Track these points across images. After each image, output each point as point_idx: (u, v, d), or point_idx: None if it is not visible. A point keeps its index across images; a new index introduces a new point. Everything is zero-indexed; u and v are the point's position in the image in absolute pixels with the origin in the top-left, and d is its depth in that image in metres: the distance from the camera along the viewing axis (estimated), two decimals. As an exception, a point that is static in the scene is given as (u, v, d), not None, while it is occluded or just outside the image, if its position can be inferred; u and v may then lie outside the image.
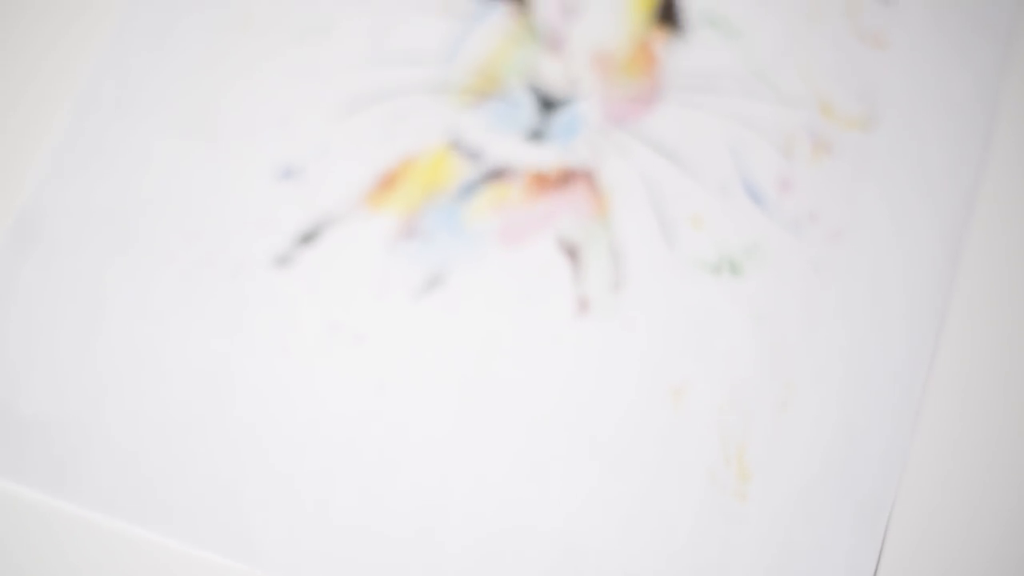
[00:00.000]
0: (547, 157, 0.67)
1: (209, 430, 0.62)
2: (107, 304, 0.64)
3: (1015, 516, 0.61)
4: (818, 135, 0.67)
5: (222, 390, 0.63)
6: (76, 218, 0.66)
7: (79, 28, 0.70)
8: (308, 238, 0.66)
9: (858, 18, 0.69)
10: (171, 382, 0.63)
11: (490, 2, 0.70)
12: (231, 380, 0.63)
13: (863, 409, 0.62)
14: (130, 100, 0.68)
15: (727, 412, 0.62)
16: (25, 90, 0.69)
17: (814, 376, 0.63)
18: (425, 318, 0.64)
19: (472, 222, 0.66)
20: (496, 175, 0.67)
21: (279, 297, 0.65)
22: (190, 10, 0.70)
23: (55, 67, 0.69)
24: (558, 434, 0.62)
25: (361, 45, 0.69)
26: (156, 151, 0.67)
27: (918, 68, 0.68)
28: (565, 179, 0.66)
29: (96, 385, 0.63)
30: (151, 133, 0.68)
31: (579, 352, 0.63)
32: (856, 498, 0.61)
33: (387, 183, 0.67)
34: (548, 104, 0.67)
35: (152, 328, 0.64)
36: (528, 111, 0.67)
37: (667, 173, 0.66)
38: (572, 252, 0.65)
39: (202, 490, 0.61)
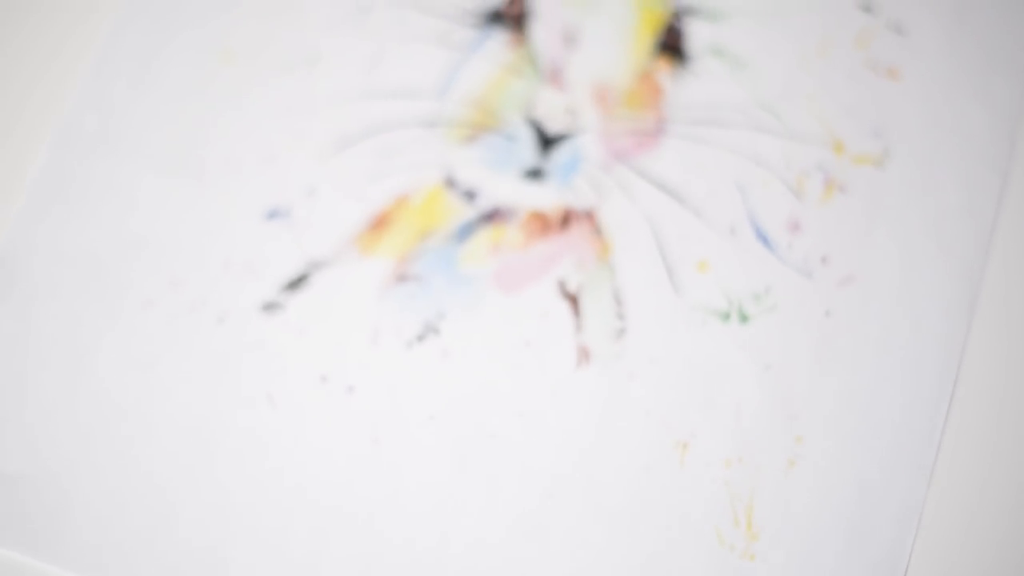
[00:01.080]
0: (546, 196, 0.64)
1: (194, 488, 0.59)
2: (86, 352, 0.61)
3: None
4: (829, 172, 0.64)
5: (208, 445, 0.60)
6: (53, 260, 0.63)
7: (60, 60, 0.67)
8: (297, 283, 0.63)
9: (870, 49, 0.66)
10: (153, 437, 0.60)
11: (487, 30, 0.67)
12: (217, 434, 0.60)
13: (876, 463, 0.59)
14: (112, 135, 0.65)
15: (735, 468, 0.60)
16: (3, 125, 0.66)
17: (824, 429, 0.60)
18: (419, 368, 0.61)
19: (468, 266, 0.63)
20: (493, 216, 0.64)
21: (267, 346, 0.62)
22: (172, 40, 0.66)
23: (35, 100, 0.66)
24: (559, 491, 0.59)
25: (350, 76, 0.66)
26: (139, 189, 0.64)
27: (933, 102, 0.65)
28: (565, 220, 0.64)
29: (74, 439, 0.60)
30: (134, 169, 0.65)
31: (581, 404, 0.61)
32: (869, 558, 0.58)
33: (378, 224, 0.64)
34: (547, 139, 0.64)
35: (133, 378, 0.61)
36: (526, 146, 0.64)
37: (672, 213, 0.63)
38: (573, 298, 0.62)
39: (186, 552, 0.59)
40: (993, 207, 0.63)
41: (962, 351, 0.61)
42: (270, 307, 0.62)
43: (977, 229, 0.63)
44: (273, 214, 0.64)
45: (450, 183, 0.64)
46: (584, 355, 0.62)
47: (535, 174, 0.64)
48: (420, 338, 0.62)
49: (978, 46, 0.66)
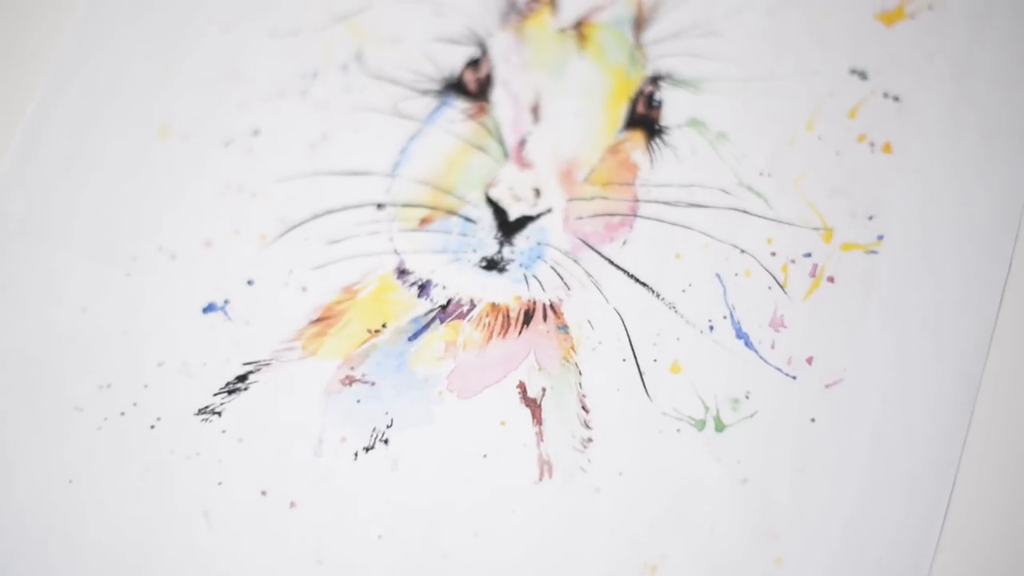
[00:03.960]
0: (506, 288, 0.58)
1: (122, 617, 0.55)
2: (9, 462, 0.57)
3: None
4: (816, 259, 0.58)
5: (138, 568, 0.55)
6: (-25, 357, 0.59)
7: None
8: (234, 386, 0.58)
9: (863, 120, 0.60)
10: (82, 554, 0.56)
11: (444, 98, 0.61)
12: (149, 555, 0.55)
13: (864, 587, 0.55)
14: (39, 219, 0.60)
15: (709, 594, 0.55)
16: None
17: (807, 550, 0.55)
18: (367, 482, 0.56)
19: (420, 367, 0.58)
20: (448, 310, 0.58)
21: (203, 455, 0.57)
22: (105, 113, 0.61)
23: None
24: (517, 620, 0.55)
25: (293, 151, 0.61)
26: (68, 279, 0.59)
27: (930, 180, 0.59)
28: (527, 315, 0.58)
29: (-5, 560, 0.56)
30: (62, 257, 0.59)
31: (542, 522, 0.56)
32: None
33: (323, 319, 0.58)
34: (508, 223, 0.59)
35: (58, 493, 0.57)
36: (485, 231, 0.59)
37: (645, 307, 0.58)
38: (535, 403, 0.57)
39: None
40: (995, 302, 0.57)
41: (959, 462, 0.56)
42: (206, 412, 0.58)
43: (977, 326, 0.57)
44: (210, 308, 0.59)
45: (401, 273, 0.59)
46: (546, 468, 0.56)
47: (494, 263, 0.59)
48: (368, 448, 0.57)
49: (979, 118, 0.59)
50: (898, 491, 0.55)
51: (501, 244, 0.58)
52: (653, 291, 0.58)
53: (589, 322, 0.58)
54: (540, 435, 0.57)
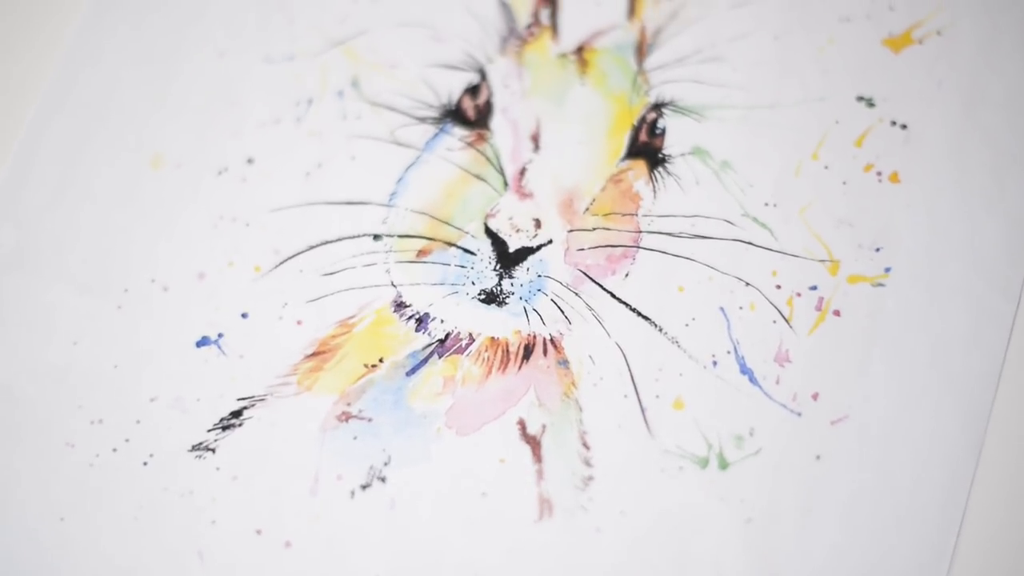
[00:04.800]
0: (506, 322, 0.57)
1: (113, 660, 0.54)
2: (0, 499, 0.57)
3: None
4: (822, 292, 0.57)
5: (129, 608, 0.55)
6: (-36, 391, 0.58)
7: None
8: (229, 422, 0.57)
9: (870, 149, 0.59)
10: (72, 594, 0.55)
11: (443, 126, 0.60)
12: (140, 595, 0.55)
13: (870, 630, 0.54)
14: (30, 250, 0.59)
15: (712, 636, 0.54)
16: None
17: (814, 591, 0.54)
18: (364, 520, 0.55)
19: (418, 403, 0.56)
20: (446, 344, 0.57)
21: (196, 493, 0.56)
22: (96, 141, 0.60)
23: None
24: (516, 664, 0.54)
25: (288, 181, 0.59)
26: (58, 312, 0.58)
27: (938, 211, 0.57)
28: (527, 349, 0.57)
29: (-15, 601, 0.55)
30: (53, 289, 0.58)
31: (542, 562, 0.54)
32: None
33: (319, 354, 0.57)
34: (508, 254, 0.58)
35: (52, 528, 0.55)
36: (484, 263, 0.58)
37: (647, 342, 0.57)
38: (535, 441, 0.56)
39: None
40: (1004, 337, 0.56)
41: (967, 501, 0.55)
42: (200, 449, 0.56)
43: (986, 362, 0.56)
44: (203, 341, 0.58)
45: (398, 306, 0.58)
46: (546, 507, 0.55)
47: (494, 296, 0.57)
48: (365, 486, 0.56)
49: (988, 147, 0.58)
50: (905, 531, 0.54)
51: (500, 276, 0.57)
52: (656, 325, 0.57)
53: (590, 357, 0.57)
54: (540, 473, 0.55)
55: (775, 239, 0.58)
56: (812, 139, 0.59)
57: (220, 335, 0.57)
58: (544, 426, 0.56)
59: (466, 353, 0.57)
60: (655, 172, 0.59)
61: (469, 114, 0.60)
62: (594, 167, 0.59)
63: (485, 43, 0.61)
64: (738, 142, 0.59)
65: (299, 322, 0.57)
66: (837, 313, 0.57)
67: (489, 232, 0.58)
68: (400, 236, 0.58)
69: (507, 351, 0.57)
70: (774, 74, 0.59)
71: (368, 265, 0.58)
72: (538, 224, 0.58)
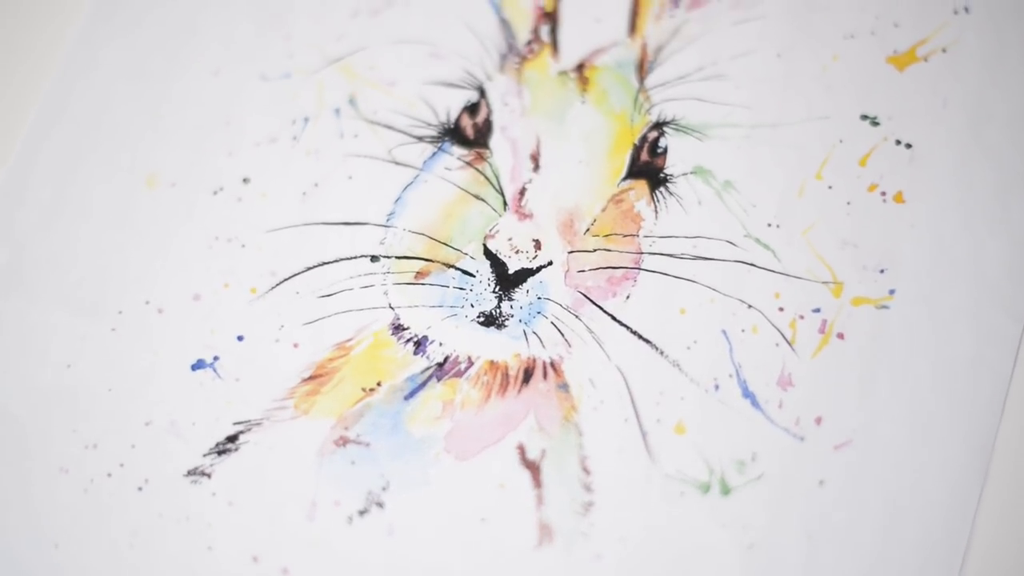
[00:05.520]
0: (505, 345, 0.56)
1: None
2: (-8, 525, 0.56)
3: None
4: (825, 315, 0.56)
5: (124, 637, 0.54)
6: (-44, 414, 0.57)
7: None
8: (225, 447, 0.56)
9: (874, 169, 0.58)
10: (66, 621, 0.54)
11: (442, 145, 0.59)
12: (135, 623, 0.54)
13: (874, 658, 0.53)
14: (23, 270, 0.58)
15: (715, 665, 0.53)
16: None
17: (817, 619, 0.54)
18: (362, 547, 0.54)
19: (416, 427, 0.56)
20: (444, 368, 0.57)
21: (192, 519, 0.55)
22: (90, 160, 0.59)
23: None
24: None
25: (284, 200, 0.59)
26: (52, 334, 0.57)
27: (943, 232, 0.57)
28: (526, 373, 0.56)
29: (-22, 628, 0.54)
30: (47, 310, 0.57)
31: (542, 589, 0.54)
32: None
33: (316, 378, 0.57)
34: (507, 276, 0.57)
35: (46, 555, 0.55)
36: (483, 285, 0.57)
37: (648, 365, 0.56)
38: (534, 466, 0.55)
39: None
40: (1010, 359, 0.55)
41: (972, 525, 0.54)
42: (195, 474, 0.56)
43: (991, 385, 0.55)
44: (198, 364, 0.57)
45: (396, 328, 0.57)
46: (546, 533, 0.55)
47: (493, 318, 0.57)
48: (362, 512, 0.55)
49: (993, 167, 0.57)
50: (910, 557, 0.53)
51: (500, 298, 0.57)
52: (657, 348, 0.56)
53: (590, 380, 0.56)
54: (540, 498, 0.55)
55: (778, 260, 0.57)
56: (816, 158, 0.58)
57: (216, 358, 0.57)
58: (544, 451, 0.55)
59: (465, 377, 0.56)
60: (657, 192, 0.58)
61: (468, 133, 0.59)
62: (595, 187, 0.58)
63: (484, 60, 0.60)
64: (741, 162, 0.58)
65: (296, 345, 0.57)
66: (841, 336, 0.56)
67: (488, 253, 0.57)
68: (398, 257, 0.57)
69: (506, 375, 0.56)
70: (777, 92, 0.59)
71: (366, 287, 0.57)
72: (538, 245, 0.57)
